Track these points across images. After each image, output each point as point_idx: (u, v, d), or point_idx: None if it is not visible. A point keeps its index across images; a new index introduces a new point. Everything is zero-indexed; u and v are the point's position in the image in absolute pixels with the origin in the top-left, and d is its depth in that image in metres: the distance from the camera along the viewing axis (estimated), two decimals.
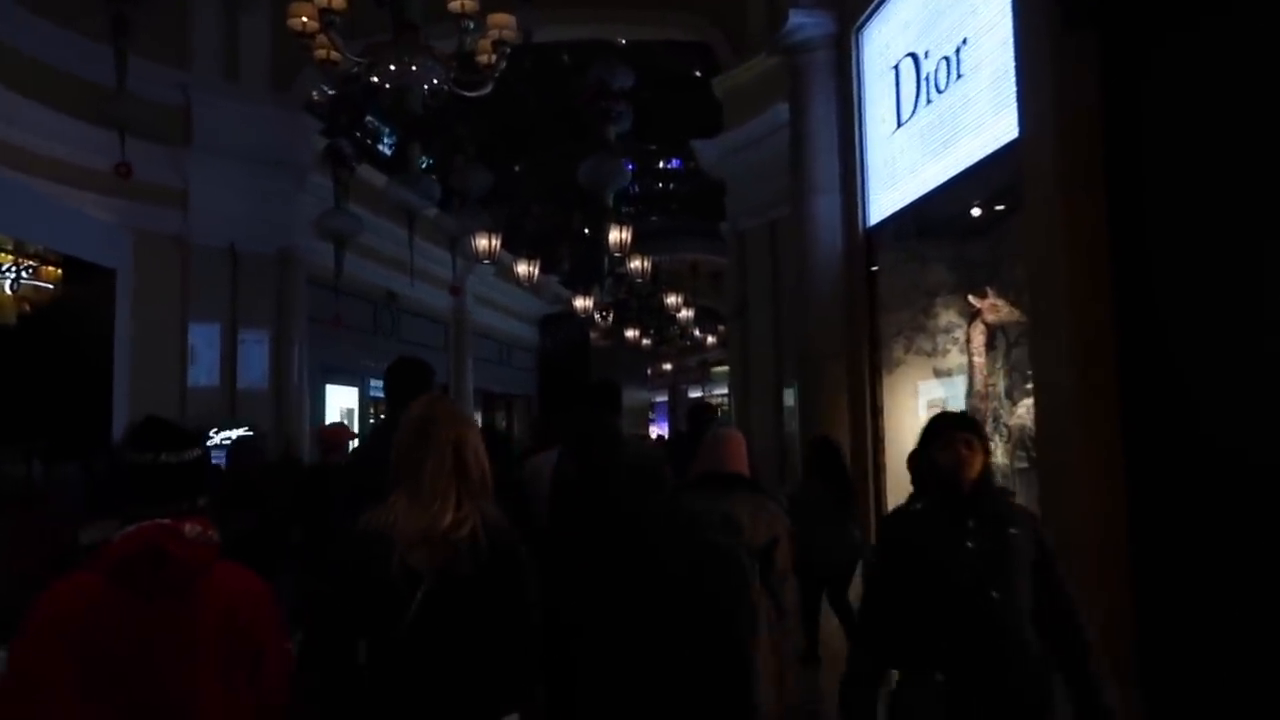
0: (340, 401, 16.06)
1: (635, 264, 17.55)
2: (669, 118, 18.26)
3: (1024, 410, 5.62)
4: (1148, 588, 3.79)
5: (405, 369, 3.57)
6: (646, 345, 24.40)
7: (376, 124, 17.94)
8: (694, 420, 6.78)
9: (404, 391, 3.37)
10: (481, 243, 14.45)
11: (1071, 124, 4.02)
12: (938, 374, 6.68)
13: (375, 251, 15.21)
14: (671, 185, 24.52)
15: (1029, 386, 5.69)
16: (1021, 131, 4.30)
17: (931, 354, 6.68)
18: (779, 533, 3.24)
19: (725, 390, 29.05)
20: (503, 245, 15.51)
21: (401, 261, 12.75)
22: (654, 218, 25.10)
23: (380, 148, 17.99)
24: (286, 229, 12.84)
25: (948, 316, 6.60)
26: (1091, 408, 3.92)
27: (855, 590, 6.41)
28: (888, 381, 6.60)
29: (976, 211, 6.01)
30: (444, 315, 19.52)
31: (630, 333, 23.74)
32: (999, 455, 6.28)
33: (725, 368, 25.23)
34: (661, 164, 22.53)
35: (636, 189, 23.28)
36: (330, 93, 15.92)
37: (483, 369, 21.70)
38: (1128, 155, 3.94)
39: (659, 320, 23.40)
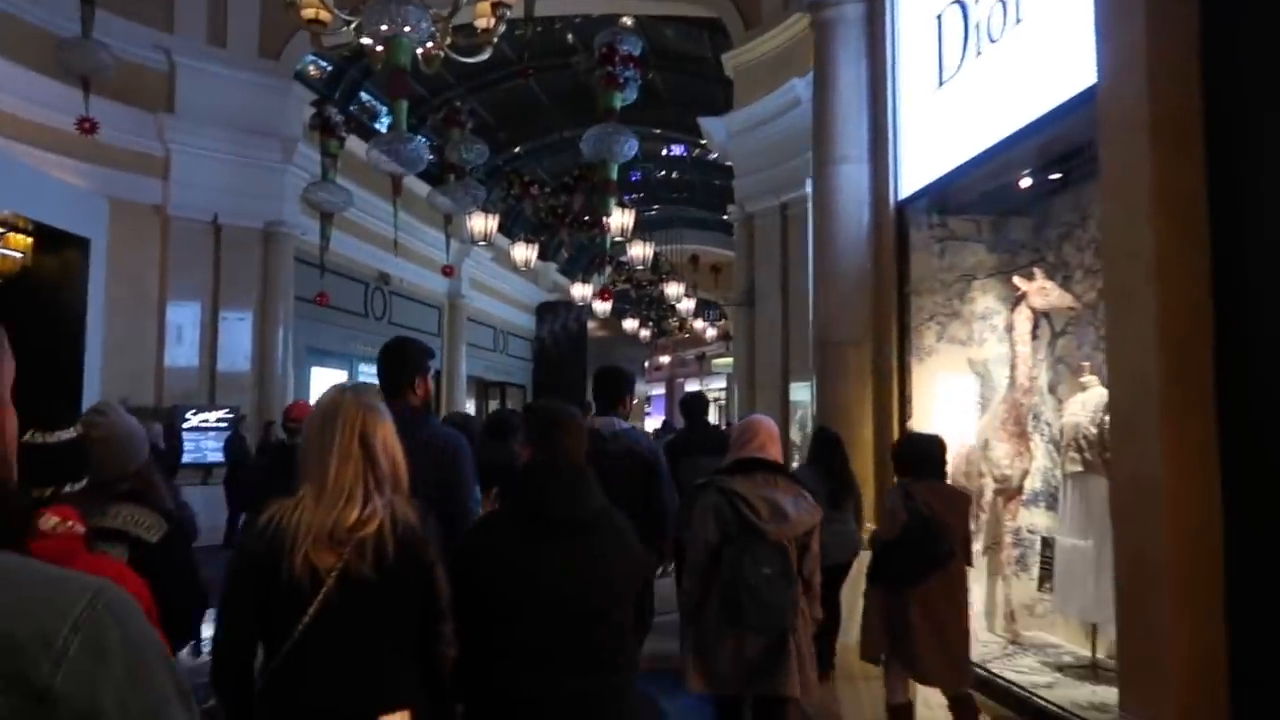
0: (328, 385, 15.50)
1: (636, 251, 16.99)
2: (675, 101, 17.73)
3: (1079, 406, 5.01)
4: (1245, 621, 3.19)
5: (398, 350, 3.25)
6: (645, 336, 23.88)
7: (374, 101, 17.39)
8: (690, 412, 6.18)
9: (397, 375, 3.16)
10: (477, 223, 13.81)
11: (1163, 66, 3.41)
12: (972, 365, 6.08)
13: (368, 231, 14.63)
14: (674, 174, 23.96)
15: (1083, 380, 5.09)
16: (1100, 77, 3.68)
17: (966, 342, 6.07)
18: (816, 520, 3.34)
19: (723, 385, 28.59)
20: (500, 229, 14.90)
21: (395, 242, 12.21)
22: (656, 207, 24.58)
23: (376, 126, 17.42)
24: (273, 203, 12.28)
25: (985, 301, 6.00)
26: (1181, 405, 3.31)
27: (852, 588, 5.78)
28: (917, 371, 5.99)
29: (1026, 182, 5.39)
30: (438, 300, 18.97)
31: (629, 323, 23.19)
32: (1040, 456, 5.70)
33: (726, 360, 24.73)
34: (665, 151, 21.94)
35: (639, 176, 22.71)
36: (328, 68, 15.38)
37: (477, 356, 21.14)
38: (1230, 103, 3.34)
39: (658, 311, 22.87)
